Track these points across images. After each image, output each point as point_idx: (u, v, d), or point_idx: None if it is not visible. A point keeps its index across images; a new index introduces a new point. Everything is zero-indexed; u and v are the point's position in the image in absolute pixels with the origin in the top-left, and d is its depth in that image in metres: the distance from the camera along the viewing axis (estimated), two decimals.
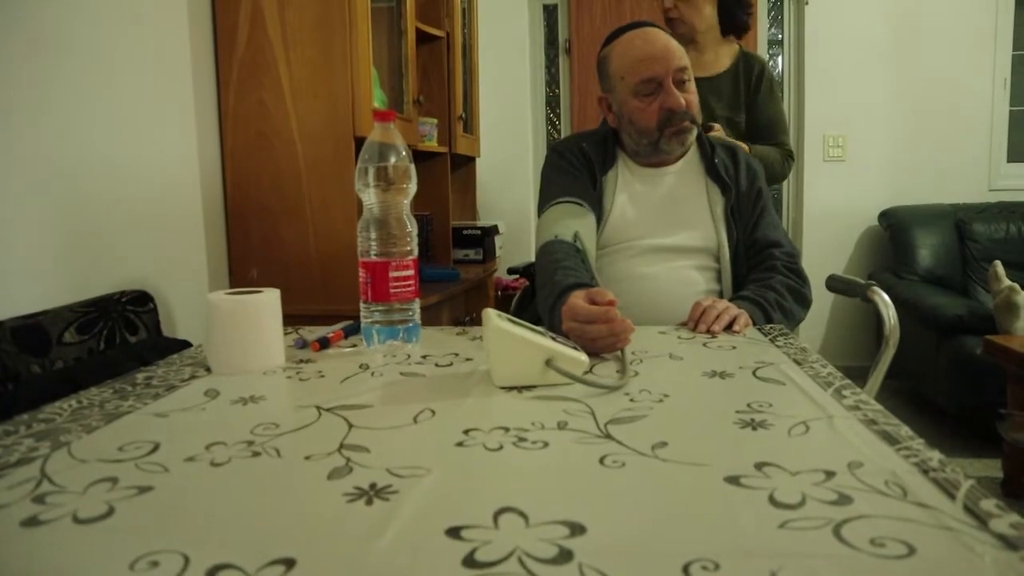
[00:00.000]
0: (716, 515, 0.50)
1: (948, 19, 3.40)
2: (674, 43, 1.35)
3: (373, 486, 0.55)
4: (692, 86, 1.35)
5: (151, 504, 0.53)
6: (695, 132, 1.38)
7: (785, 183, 3.60)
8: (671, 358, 0.96)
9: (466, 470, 0.60)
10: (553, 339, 0.86)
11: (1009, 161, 3.50)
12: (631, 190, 1.41)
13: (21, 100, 1.21)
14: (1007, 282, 2.52)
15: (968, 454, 2.50)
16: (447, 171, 2.56)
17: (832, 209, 3.48)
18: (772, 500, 0.51)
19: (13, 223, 1.19)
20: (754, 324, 1.18)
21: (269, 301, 0.95)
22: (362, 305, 1.03)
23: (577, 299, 0.99)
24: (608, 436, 0.66)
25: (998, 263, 2.61)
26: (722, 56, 2.01)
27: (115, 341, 1.28)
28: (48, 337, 1.15)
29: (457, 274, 2.28)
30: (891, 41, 3.41)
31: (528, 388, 0.82)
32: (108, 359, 1.23)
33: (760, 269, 1.36)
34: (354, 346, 1.06)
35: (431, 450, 0.64)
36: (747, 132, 1.96)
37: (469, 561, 0.44)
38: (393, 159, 0.99)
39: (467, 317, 2.30)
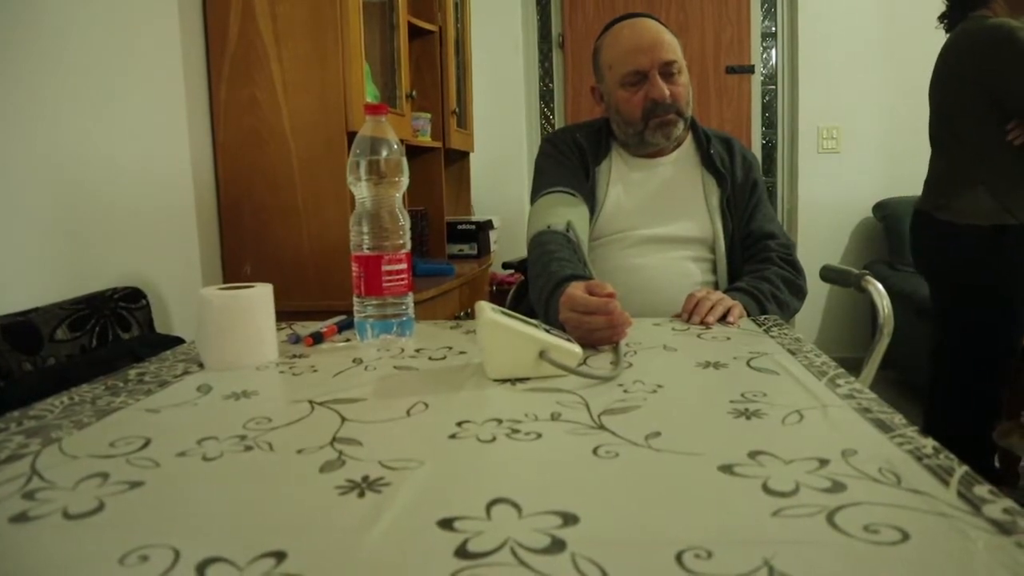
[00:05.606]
0: (710, 504, 0.50)
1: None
2: (666, 35, 1.33)
3: (365, 479, 0.55)
4: (682, 79, 1.34)
5: (142, 499, 0.53)
6: (681, 125, 1.36)
7: (779, 174, 3.60)
8: (665, 349, 0.96)
9: (459, 462, 0.60)
10: (547, 331, 0.85)
11: None
12: (625, 181, 1.40)
13: (10, 97, 1.20)
14: None
15: None
16: (441, 166, 2.55)
17: (826, 201, 3.48)
18: (766, 488, 0.51)
19: (3, 220, 1.18)
20: (748, 315, 1.18)
21: (262, 296, 0.94)
22: (355, 299, 1.02)
23: (576, 289, 0.99)
24: (602, 427, 0.66)
25: None
26: None
27: (107, 338, 1.27)
28: (40, 334, 1.15)
29: (452, 269, 2.27)
30: (885, 32, 3.40)
31: (522, 380, 0.82)
32: (100, 356, 1.22)
33: (755, 261, 1.36)
34: (347, 341, 1.05)
35: (424, 442, 0.64)
36: None
37: (461, 552, 0.44)
38: (385, 152, 0.99)
39: (461, 312, 2.30)
